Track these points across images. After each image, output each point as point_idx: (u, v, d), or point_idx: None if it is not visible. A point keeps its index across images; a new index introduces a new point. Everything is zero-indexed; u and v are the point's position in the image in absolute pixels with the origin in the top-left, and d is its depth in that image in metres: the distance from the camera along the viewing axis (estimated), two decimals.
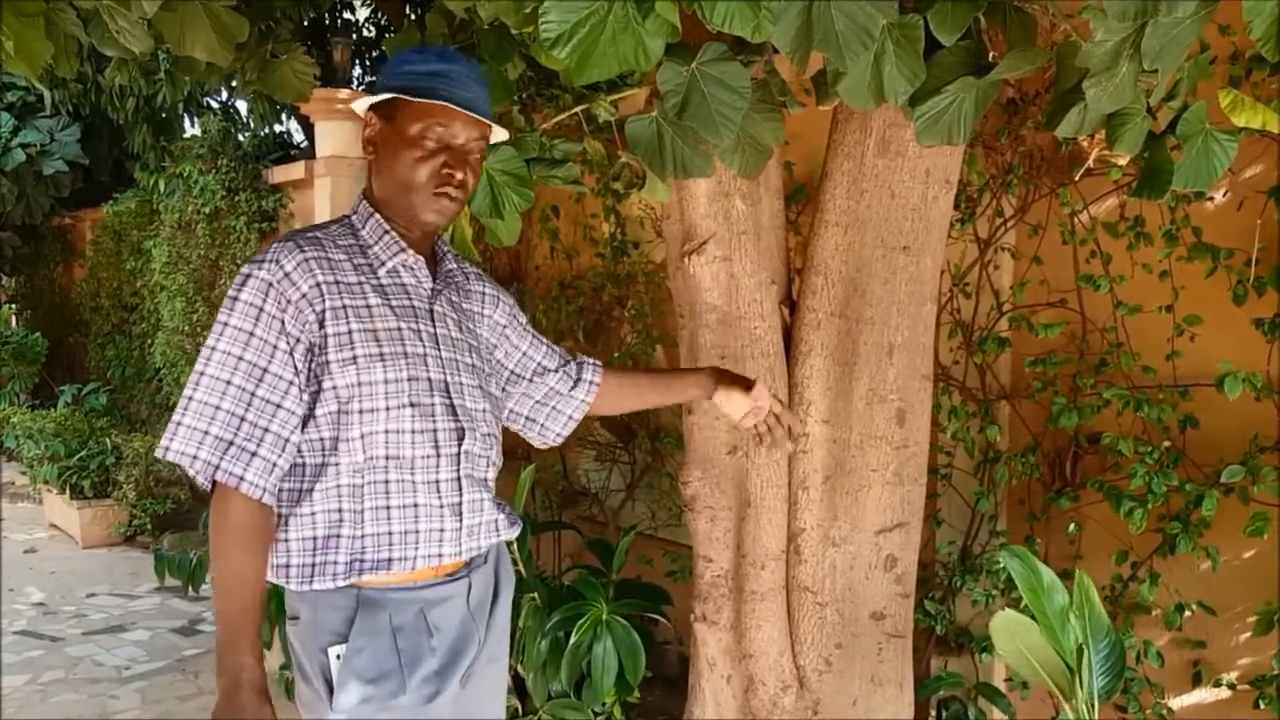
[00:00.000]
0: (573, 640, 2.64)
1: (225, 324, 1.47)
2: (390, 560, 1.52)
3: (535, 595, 2.76)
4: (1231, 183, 2.49)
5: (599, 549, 3.09)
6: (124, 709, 3.69)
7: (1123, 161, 2.48)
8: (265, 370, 1.46)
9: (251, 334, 1.46)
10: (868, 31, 1.39)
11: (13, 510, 7.16)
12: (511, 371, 1.80)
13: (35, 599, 5.06)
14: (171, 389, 6.73)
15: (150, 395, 7.42)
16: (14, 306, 9.96)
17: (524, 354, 1.81)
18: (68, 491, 6.26)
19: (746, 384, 1.85)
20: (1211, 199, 2.52)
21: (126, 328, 7.90)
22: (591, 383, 1.85)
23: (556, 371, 1.83)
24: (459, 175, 1.55)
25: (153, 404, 7.39)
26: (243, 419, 1.45)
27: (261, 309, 1.47)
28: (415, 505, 1.53)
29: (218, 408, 1.45)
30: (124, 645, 4.37)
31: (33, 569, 5.62)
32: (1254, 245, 2.40)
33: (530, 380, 1.81)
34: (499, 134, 1.64)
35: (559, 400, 1.83)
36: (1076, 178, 2.58)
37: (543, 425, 1.84)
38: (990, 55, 1.61)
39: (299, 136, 7.31)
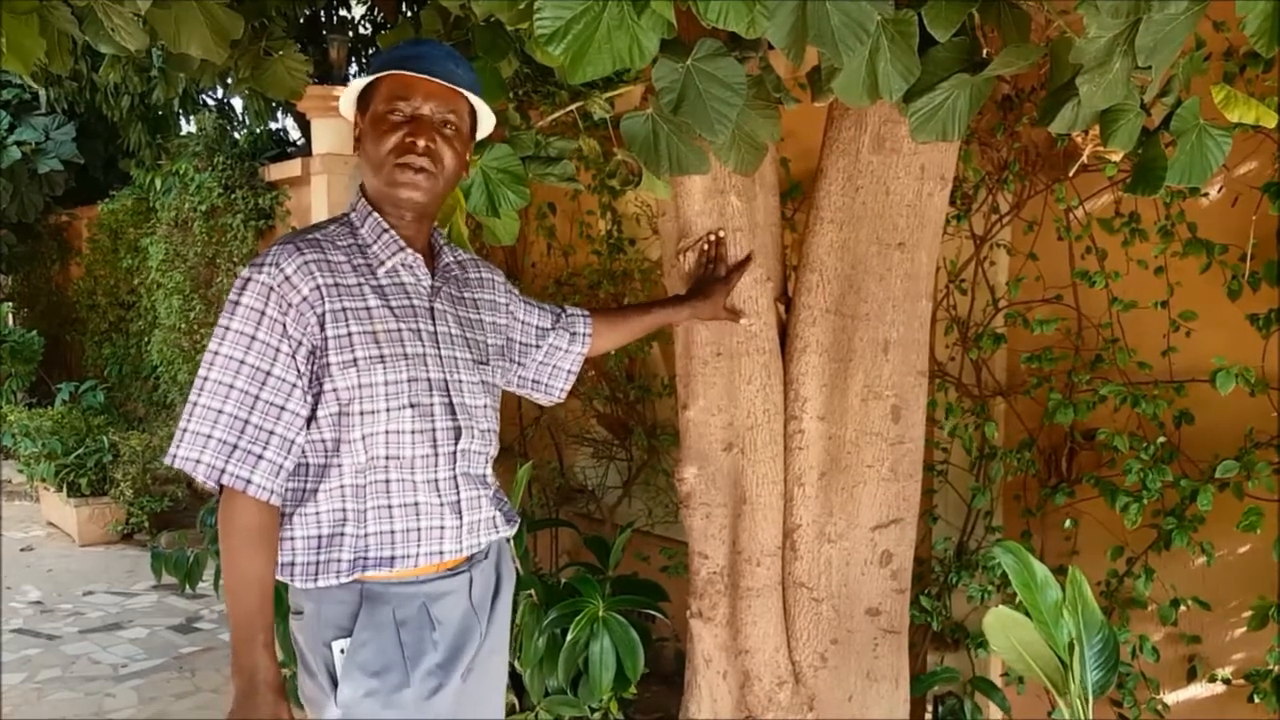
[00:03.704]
0: (570, 637, 2.64)
1: (227, 328, 1.47)
2: (393, 558, 1.53)
3: (532, 592, 2.76)
4: (1226, 178, 2.49)
5: (596, 546, 3.09)
6: (120, 707, 3.69)
7: (1117, 157, 2.48)
8: (268, 373, 1.47)
9: (253, 338, 1.47)
10: (863, 27, 1.39)
11: (10, 508, 7.15)
12: (521, 344, 1.87)
13: (32, 597, 5.05)
14: (168, 387, 6.73)
15: (147, 393, 7.41)
16: (11, 305, 9.93)
17: (525, 323, 1.88)
18: (65, 489, 6.25)
19: (702, 292, 2.02)
20: (1206, 195, 2.52)
21: (123, 326, 7.89)
22: (585, 335, 1.94)
23: (554, 330, 1.91)
24: (421, 142, 1.54)
25: (150, 402, 7.38)
26: (247, 422, 1.46)
27: (263, 313, 1.47)
28: (416, 504, 1.55)
29: (220, 411, 1.45)
30: (120, 643, 4.37)
31: (30, 567, 5.62)
32: (1249, 241, 2.40)
33: (537, 345, 1.89)
34: (485, 117, 1.64)
35: (559, 357, 1.91)
36: (1071, 174, 2.58)
37: (547, 385, 1.92)
38: (985, 52, 1.61)
39: (295, 134, 7.30)
